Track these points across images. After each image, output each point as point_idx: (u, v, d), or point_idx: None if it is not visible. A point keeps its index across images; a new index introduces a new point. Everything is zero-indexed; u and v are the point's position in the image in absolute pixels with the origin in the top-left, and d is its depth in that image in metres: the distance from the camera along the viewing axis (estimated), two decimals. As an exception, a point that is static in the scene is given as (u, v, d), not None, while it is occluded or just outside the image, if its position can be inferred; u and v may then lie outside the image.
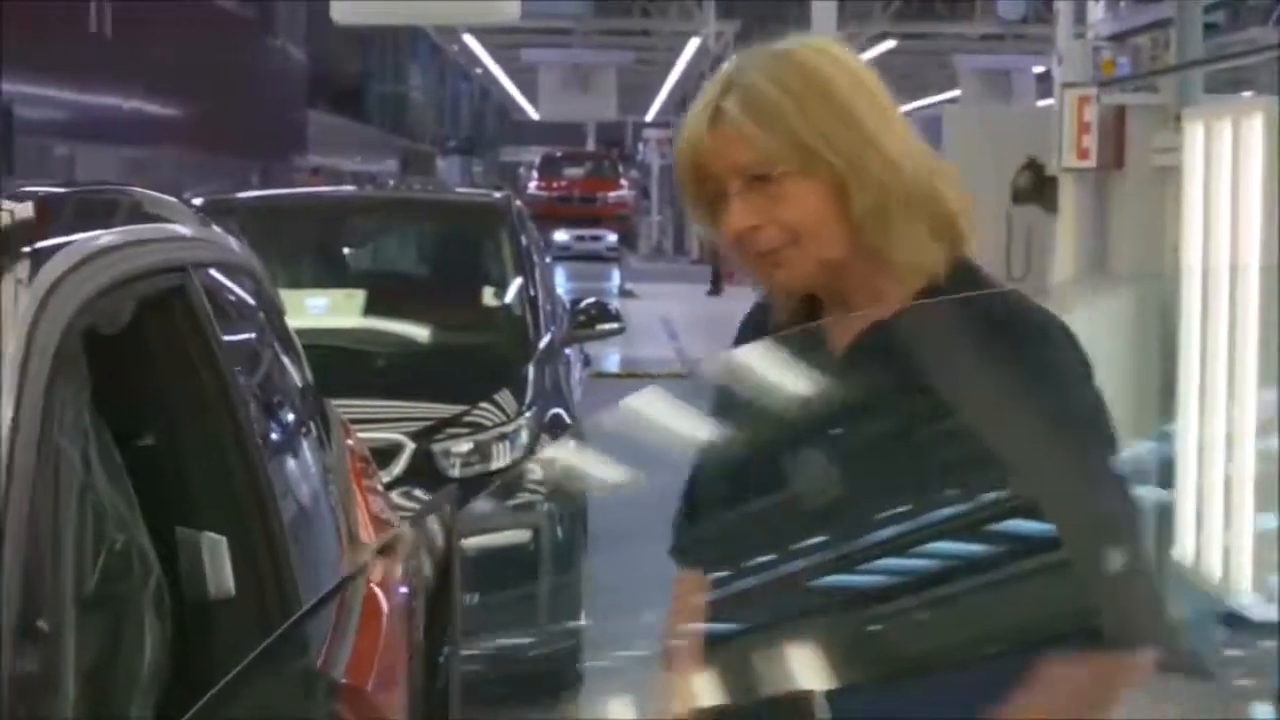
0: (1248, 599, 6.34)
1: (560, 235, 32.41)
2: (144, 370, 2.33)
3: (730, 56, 2.20)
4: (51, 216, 2.01)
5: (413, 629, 1.71)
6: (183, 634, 2.28)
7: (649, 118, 44.34)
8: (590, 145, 45.77)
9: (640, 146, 46.16)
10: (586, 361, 9.17)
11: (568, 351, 7.80)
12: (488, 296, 7.54)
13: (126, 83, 16.92)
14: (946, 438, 1.99)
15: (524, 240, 7.77)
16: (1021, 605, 1.97)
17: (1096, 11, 8.67)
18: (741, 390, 2.13)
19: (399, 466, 6.02)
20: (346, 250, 8.42)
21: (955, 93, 31.03)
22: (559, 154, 40.74)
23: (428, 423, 6.21)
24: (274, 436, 2.68)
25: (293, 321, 3.15)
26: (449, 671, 1.81)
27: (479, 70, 42.38)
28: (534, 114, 39.89)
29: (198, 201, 4.41)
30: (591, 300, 8.15)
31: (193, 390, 2.34)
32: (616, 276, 28.07)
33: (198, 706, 1.55)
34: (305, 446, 2.92)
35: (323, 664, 2.31)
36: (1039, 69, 25.20)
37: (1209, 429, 6.47)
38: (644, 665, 2.03)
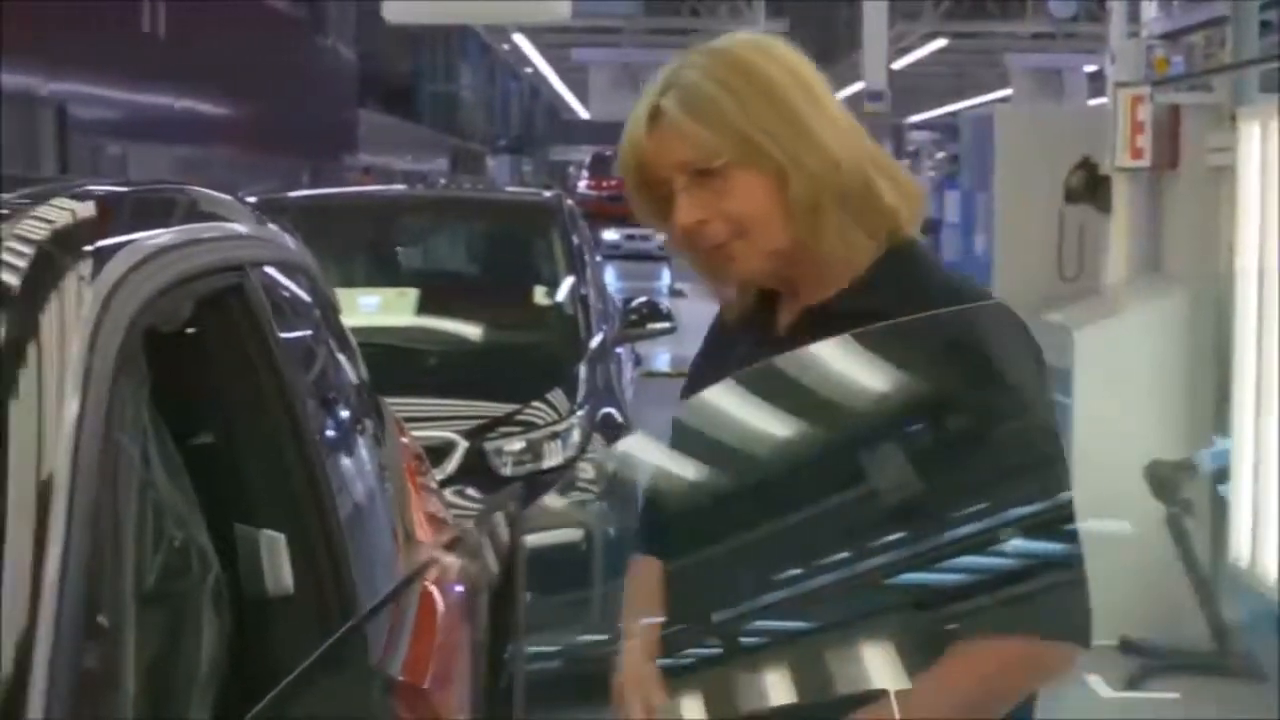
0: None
1: (610, 234, 32.41)
2: (202, 368, 2.34)
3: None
4: (112, 215, 2.02)
5: (475, 628, 1.72)
6: (241, 631, 2.29)
7: (699, 117, 44.25)
8: (640, 144, 45.72)
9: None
10: (637, 360, 9.17)
11: (619, 350, 7.81)
12: (539, 295, 7.55)
13: (179, 82, 16.99)
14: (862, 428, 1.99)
15: (575, 239, 7.78)
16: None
17: (1150, 10, 8.61)
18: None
19: (452, 465, 6.03)
20: (398, 249, 8.45)
21: (1006, 92, 30.92)
22: (609, 153, 40.71)
23: (480, 421, 6.23)
24: (330, 434, 2.68)
25: (345, 320, 3.16)
26: (512, 669, 1.81)
27: (529, 69, 42.43)
28: (584, 113, 39.95)
29: (251, 200, 4.43)
30: (643, 299, 8.14)
31: (251, 388, 2.35)
32: (666, 275, 28.04)
33: (261, 705, 1.56)
34: (361, 444, 2.93)
35: (380, 662, 2.31)
36: (1091, 68, 25.08)
37: (1265, 431, 6.42)
38: (701, 663, 2.03)
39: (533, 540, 2.59)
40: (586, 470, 5.86)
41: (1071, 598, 2.03)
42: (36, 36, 12.55)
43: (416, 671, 2.40)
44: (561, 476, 6.11)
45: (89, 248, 1.83)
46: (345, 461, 2.73)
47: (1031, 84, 27.68)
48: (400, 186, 13.73)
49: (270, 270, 2.57)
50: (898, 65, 29.54)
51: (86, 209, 1.93)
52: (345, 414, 2.91)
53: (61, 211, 1.87)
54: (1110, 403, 7.40)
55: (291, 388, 2.41)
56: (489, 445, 6.17)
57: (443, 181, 21.25)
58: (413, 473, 3.44)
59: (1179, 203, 7.86)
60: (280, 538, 2.31)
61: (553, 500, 4.06)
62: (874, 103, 24.41)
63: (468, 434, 6.15)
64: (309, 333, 2.80)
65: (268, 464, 2.35)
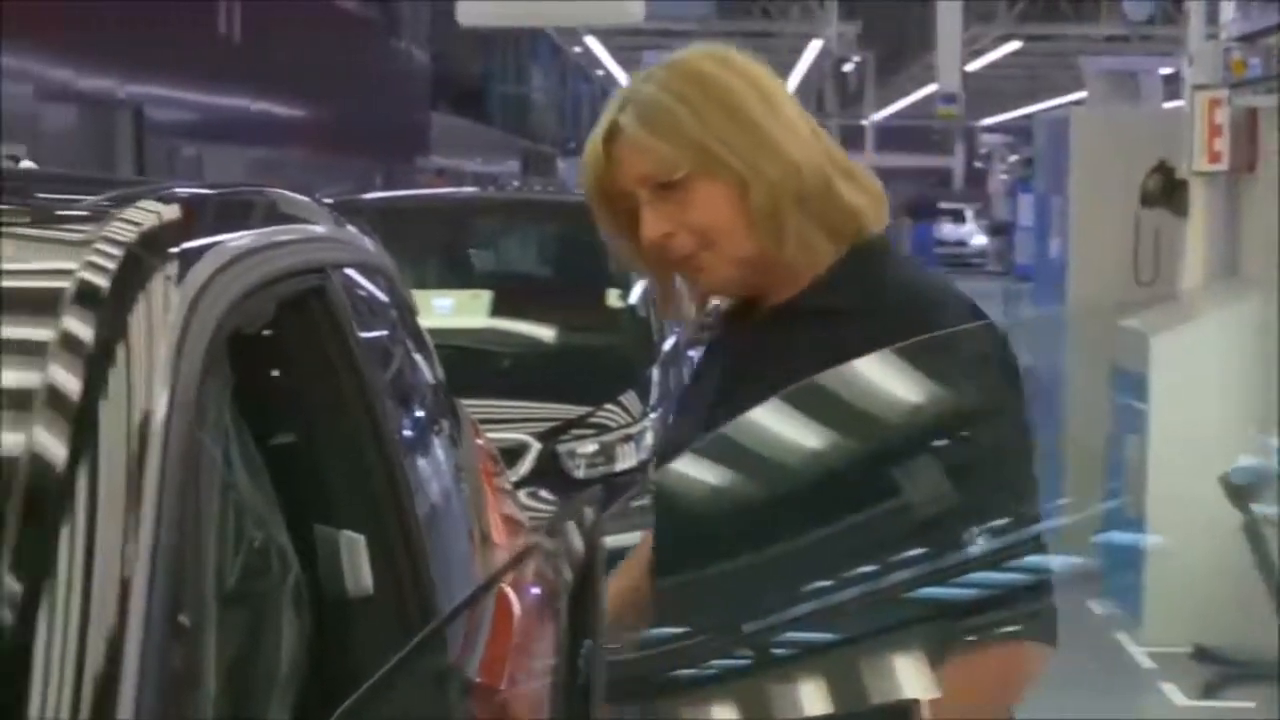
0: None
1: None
2: (284, 370, 2.35)
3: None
4: (195, 218, 2.03)
5: (556, 629, 1.72)
6: (321, 632, 2.30)
7: (770, 119, 44.20)
8: (710, 147, 45.69)
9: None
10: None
11: (690, 353, 7.81)
12: (612, 298, 7.56)
13: (254, 84, 17.11)
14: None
15: (648, 241, 7.78)
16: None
17: (1228, 11, 8.55)
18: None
19: (525, 467, 6.05)
20: (471, 251, 8.48)
21: (1080, 94, 30.74)
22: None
23: (553, 423, 6.24)
24: (409, 435, 2.70)
25: (420, 322, 3.17)
26: (590, 670, 1.82)
27: (600, 72, 42.46)
28: (654, 115, 39.89)
29: (328, 202, 4.45)
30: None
31: (331, 390, 2.36)
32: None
33: (347, 704, 1.57)
34: (438, 445, 2.94)
35: (458, 662, 2.32)
36: (1166, 70, 24.89)
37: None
38: (779, 665, 2.03)
39: (611, 541, 2.60)
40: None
41: (1044, 601, 2.05)
42: (114, 39, 12.67)
43: (493, 673, 2.41)
44: (634, 479, 6.12)
45: (175, 250, 1.84)
46: (423, 462, 2.74)
47: (1106, 86, 27.44)
48: (472, 189, 13.77)
49: (350, 272, 2.59)
50: (971, 67, 29.44)
51: (172, 211, 1.94)
52: (423, 415, 2.92)
53: (148, 214, 1.88)
54: (1186, 408, 7.35)
55: (372, 390, 2.43)
56: (562, 447, 6.18)
57: (515, 184, 21.29)
58: (489, 474, 3.44)
59: (1256, 206, 7.81)
60: (360, 539, 2.32)
61: (639, 502, 4.08)
62: (947, 105, 24.32)
63: (541, 436, 6.16)
64: (387, 333, 2.81)
65: (348, 465, 2.36)
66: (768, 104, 2.18)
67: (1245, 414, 7.25)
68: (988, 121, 51.41)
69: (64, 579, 1.47)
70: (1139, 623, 7.63)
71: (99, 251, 1.75)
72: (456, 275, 8.01)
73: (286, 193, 2.55)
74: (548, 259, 8.80)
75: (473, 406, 4.03)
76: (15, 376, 1.61)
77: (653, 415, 6.42)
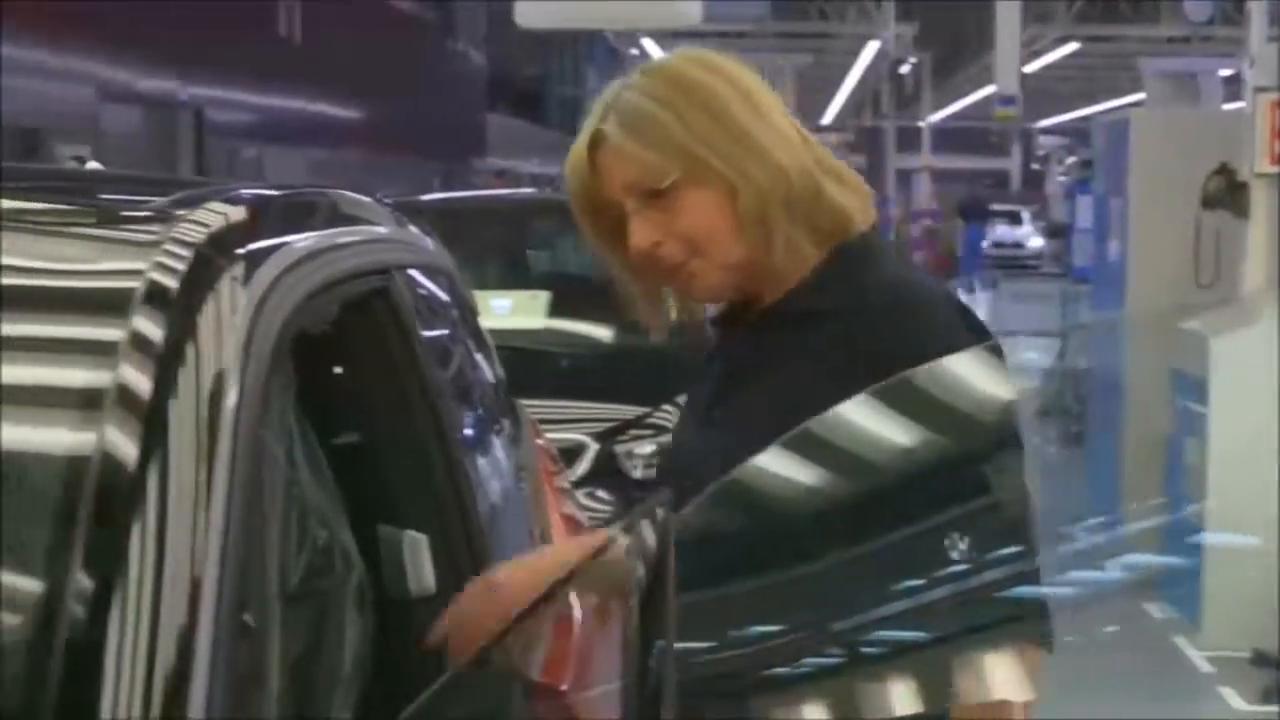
0: None
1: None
2: (348, 370, 2.37)
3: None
4: (260, 219, 2.05)
5: (626, 630, 1.73)
6: (384, 631, 2.31)
7: (826, 120, 44.21)
8: (766, 148, 45.68)
9: (817, 149, 46.01)
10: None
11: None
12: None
13: (313, 86, 17.19)
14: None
15: (705, 242, 7.78)
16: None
17: (1290, 13, 8.50)
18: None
19: (582, 467, 6.06)
20: (529, 252, 8.49)
21: (1139, 96, 30.59)
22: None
23: (610, 424, 6.24)
24: (470, 434, 2.71)
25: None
26: (661, 671, 1.82)
27: (656, 73, 42.44)
28: (710, 117, 39.88)
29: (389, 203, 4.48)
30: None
31: (395, 391, 2.37)
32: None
33: (414, 706, 1.58)
34: (498, 444, 2.95)
35: (519, 660, 2.32)
36: (1226, 71, 24.74)
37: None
38: (821, 672, 2.03)
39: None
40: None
41: (1038, 605, 2.03)
42: (175, 41, 12.75)
43: (555, 673, 2.42)
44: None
45: (241, 251, 1.86)
46: (484, 461, 2.75)
47: (1165, 88, 27.32)
48: (529, 190, 13.80)
49: (413, 273, 2.60)
50: (1029, 69, 29.31)
51: (238, 213, 1.96)
52: (484, 414, 2.94)
53: (215, 215, 1.90)
54: (1246, 411, 7.31)
55: (434, 391, 2.44)
56: (619, 448, 6.19)
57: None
58: (549, 474, 3.46)
59: (1319, 209, 7.75)
60: (423, 538, 2.34)
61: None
62: (1005, 106, 24.21)
63: (598, 436, 6.17)
64: (449, 333, 2.83)
65: (411, 465, 2.37)
66: (753, 108, 2.16)
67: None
68: (1045, 123, 51.17)
69: (135, 577, 1.48)
70: (1197, 627, 7.59)
71: (168, 252, 1.76)
72: (514, 276, 8.03)
73: (349, 194, 2.56)
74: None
75: (530, 407, 4.04)
76: (87, 376, 1.63)
77: (710, 416, 6.43)
